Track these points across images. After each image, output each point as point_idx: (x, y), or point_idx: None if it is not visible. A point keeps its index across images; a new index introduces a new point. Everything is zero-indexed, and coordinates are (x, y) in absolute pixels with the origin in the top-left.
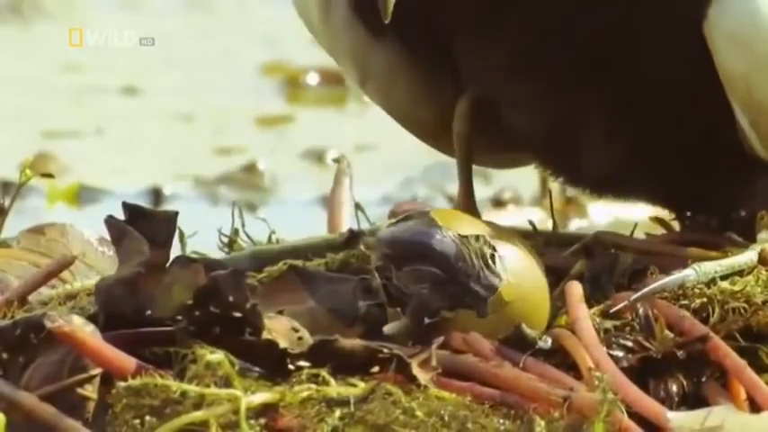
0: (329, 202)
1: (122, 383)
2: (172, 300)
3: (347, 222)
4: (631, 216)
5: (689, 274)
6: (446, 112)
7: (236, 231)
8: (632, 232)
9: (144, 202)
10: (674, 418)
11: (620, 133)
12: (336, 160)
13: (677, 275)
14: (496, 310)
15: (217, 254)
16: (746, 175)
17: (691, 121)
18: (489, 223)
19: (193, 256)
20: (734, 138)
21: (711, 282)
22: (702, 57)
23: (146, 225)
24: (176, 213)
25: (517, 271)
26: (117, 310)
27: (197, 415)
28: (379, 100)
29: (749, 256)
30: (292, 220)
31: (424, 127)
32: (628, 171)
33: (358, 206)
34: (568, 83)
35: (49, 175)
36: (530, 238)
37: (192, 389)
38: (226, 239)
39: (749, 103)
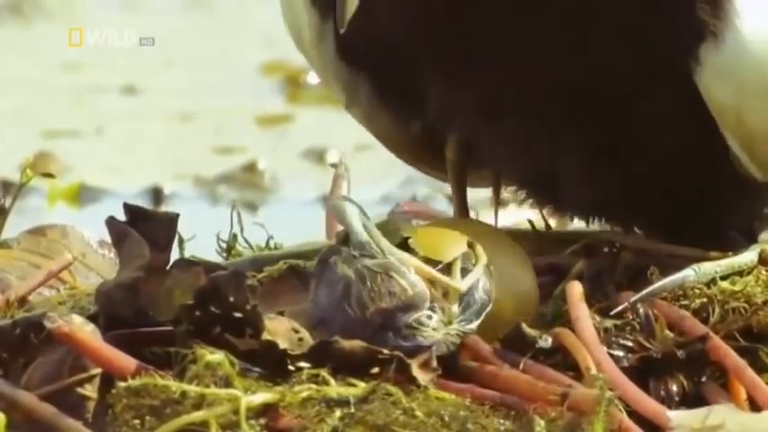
0: (327, 208)
1: (122, 384)
2: (173, 304)
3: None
4: None
5: (688, 274)
6: (423, 139)
7: (234, 237)
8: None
9: (144, 202)
10: (675, 416)
11: (603, 175)
12: (334, 165)
13: (676, 276)
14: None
15: (215, 256)
16: (742, 196)
17: (680, 152)
18: (472, 221)
19: (193, 259)
20: (726, 162)
21: (711, 282)
22: (686, 89)
23: (147, 226)
24: (177, 215)
25: (500, 267)
26: (117, 313)
27: (197, 415)
28: (363, 123)
29: (749, 257)
30: (292, 220)
31: (405, 150)
32: (613, 206)
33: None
34: (546, 128)
35: (50, 175)
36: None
37: (192, 389)
38: (224, 245)
39: (741, 132)
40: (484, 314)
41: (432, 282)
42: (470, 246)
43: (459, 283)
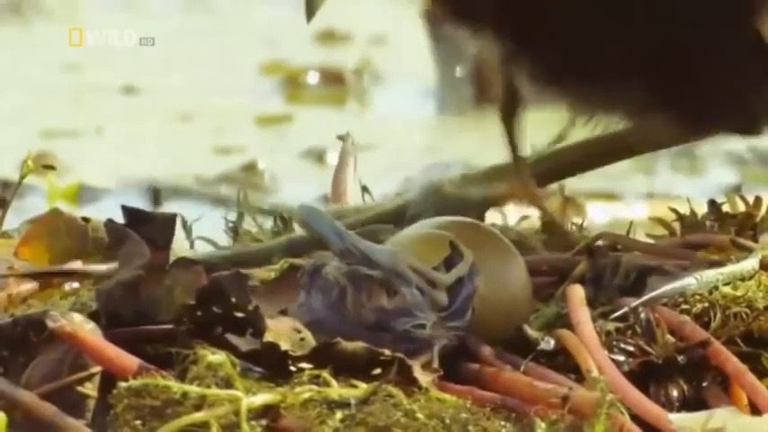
0: (333, 181)
1: (123, 384)
2: (173, 303)
3: (350, 202)
4: (630, 216)
5: (690, 282)
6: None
7: (240, 215)
8: (628, 231)
9: (143, 202)
10: (677, 419)
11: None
12: (341, 137)
13: (678, 284)
14: (475, 307)
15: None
16: None
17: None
18: (462, 222)
19: (193, 258)
20: None
21: (713, 287)
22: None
23: (145, 228)
24: (175, 215)
25: (489, 268)
26: (118, 312)
27: (198, 416)
28: None
29: (750, 264)
30: None
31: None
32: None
33: (365, 188)
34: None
35: (51, 167)
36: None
37: (194, 389)
38: (231, 225)
39: None
40: (470, 310)
41: (418, 274)
42: (453, 245)
43: (445, 276)
